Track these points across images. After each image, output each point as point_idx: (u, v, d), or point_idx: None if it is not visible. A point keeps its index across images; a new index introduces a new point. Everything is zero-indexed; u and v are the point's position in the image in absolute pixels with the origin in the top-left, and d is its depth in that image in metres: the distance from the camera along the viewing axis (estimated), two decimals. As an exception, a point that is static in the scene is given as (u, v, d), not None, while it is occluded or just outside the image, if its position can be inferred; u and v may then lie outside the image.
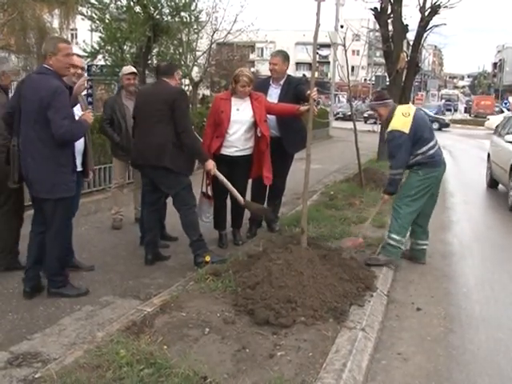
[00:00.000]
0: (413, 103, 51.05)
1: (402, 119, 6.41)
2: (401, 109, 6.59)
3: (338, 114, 45.33)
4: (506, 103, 60.38)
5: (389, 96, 6.85)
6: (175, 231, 7.21)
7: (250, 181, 7.35)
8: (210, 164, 6.28)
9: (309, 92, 6.30)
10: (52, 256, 5.31)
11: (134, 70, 7.98)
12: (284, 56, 7.45)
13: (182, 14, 18.19)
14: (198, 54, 22.43)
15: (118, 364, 3.75)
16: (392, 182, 6.57)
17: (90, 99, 18.98)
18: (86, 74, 6.69)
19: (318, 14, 5.72)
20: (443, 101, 68.39)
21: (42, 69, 5.16)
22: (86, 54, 17.45)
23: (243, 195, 7.17)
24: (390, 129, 6.48)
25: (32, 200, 5.47)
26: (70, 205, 5.37)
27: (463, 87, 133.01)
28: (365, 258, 6.61)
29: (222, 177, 6.43)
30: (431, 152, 6.47)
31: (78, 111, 5.63)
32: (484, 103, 64.50)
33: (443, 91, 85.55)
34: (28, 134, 5.04)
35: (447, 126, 44.02)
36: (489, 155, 14.30)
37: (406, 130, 6.33)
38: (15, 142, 5.15)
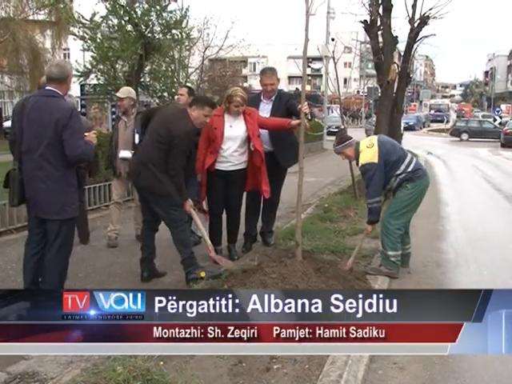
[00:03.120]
0: (406, 114, 51.28)
1: (368, 151, 6.56)
2: (364, 143, 6.72)
3: (329, 127, 36.10)
4: (498, 111, 60.78)
5: (348, 136, 6.94)
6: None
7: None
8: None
9: (300, 106, 6.37)
10: (53, 273, 5.33)
11: (120, 94, 8.06)
12: (276, 73, 7.53)
13: (174, 31, 18.28)
14: (191, 70, 22.53)
15: (114, 381, 3.75)
16: (372, 211, 6.66)
17: (84, 118, 19.05)
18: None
19: (306, 28, 5.78)
20: (432, 111, 68.03)
21: (49, 91, 5.15)
22: (79, 74, 17.52)
23: (239, 208, 7.22)
24: (360, 164, 6.64)
25: (29, 220, 5.51)
26: (74, 224, 5.45)
27: (451, 96, 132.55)
28: (363, 268, 6.65)
29: (196, 218, 6.47)
30: (411, 168, 6.60)
31: None
32: (460, 109, 68.45)
33: (432, 101, 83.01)
34: (36, 158, 5.04)
35: None
36: None
37: (375, 159, 6.49)
38: (16, 166, 5.17)
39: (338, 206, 10.48)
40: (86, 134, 5.44)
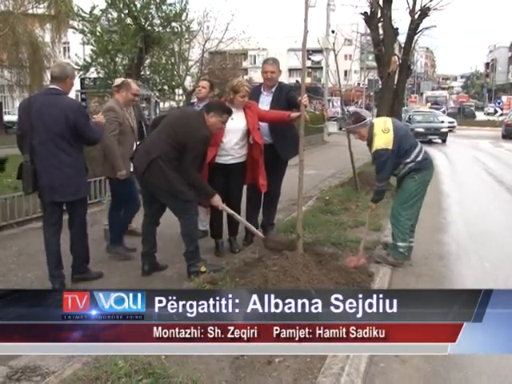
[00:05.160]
0: (407, 106, 51.08)
1: (384, 136, 6.54)
2: (379, 125, 6.67)
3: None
4: (499, 102, 60.60)
5: (363, 116, 6.89)
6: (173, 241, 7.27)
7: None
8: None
9: (300, 98, 6.34)
10: (82, 245, 6.19)
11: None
12: (278, 63, 7.51)
13: (173, 24, 18.26)
14: (191, 63, 22.53)
15: (116, 375, 3.75)
16: (379, 193, 6.85)
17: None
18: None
19: (305, 20, 5.75)
20: (429, 103, 66.40)
21: (54, 90, 5.81)
22: (79, 68, 17.50)
23: (239, 201, 7.20)
24: (374, 149, 6.61)
25: (44, 207, 6.12)
26: (86, 202, 6.43)
27: (449, 88, 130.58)
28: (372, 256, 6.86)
29: (230, 210, 6.53)
30: (420, 157, 6.69)
31: None
32: (460, 101, 69.67)
33: (429, 93, 75.12)
34: (50, 148, 5.71)
35: None
36: None
37: (390, 146, 6.52)
38: (27, 158, 5.76)
39: (339, 199, 10.47)
40: (94, 116, 6.24)
